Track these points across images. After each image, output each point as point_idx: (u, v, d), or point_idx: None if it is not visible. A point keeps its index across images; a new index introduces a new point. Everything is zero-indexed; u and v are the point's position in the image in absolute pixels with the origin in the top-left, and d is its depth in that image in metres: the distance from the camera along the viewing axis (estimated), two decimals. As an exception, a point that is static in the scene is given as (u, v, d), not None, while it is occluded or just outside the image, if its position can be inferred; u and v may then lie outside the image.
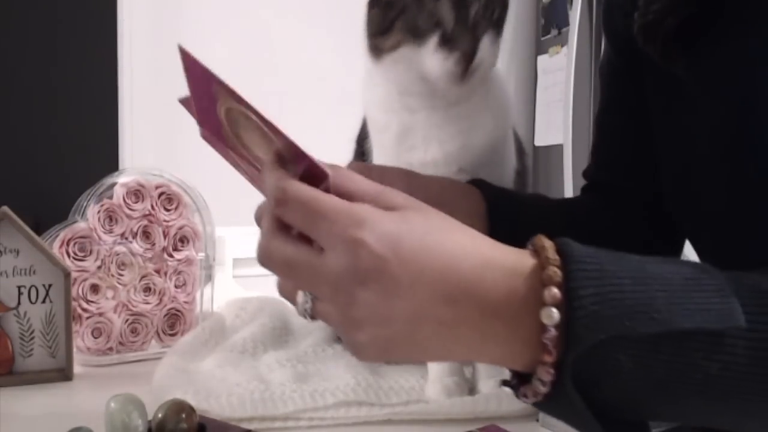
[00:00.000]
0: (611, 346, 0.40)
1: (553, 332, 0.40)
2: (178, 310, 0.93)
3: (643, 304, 0.40)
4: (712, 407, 0.43)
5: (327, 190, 0.43)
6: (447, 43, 0.68)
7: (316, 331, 0.94)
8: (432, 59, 0.69)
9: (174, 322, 0.93)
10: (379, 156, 0.79)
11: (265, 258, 0.44)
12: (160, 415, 0.53)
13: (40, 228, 0.83)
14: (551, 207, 0.78)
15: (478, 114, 0.76)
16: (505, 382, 0.46)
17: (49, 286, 0.80)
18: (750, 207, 0.56)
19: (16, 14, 2.11)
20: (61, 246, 0.85)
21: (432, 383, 0.72)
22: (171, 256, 0.92)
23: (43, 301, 0.80)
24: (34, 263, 0.79)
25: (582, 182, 0.84)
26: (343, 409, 0.67)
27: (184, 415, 0.53)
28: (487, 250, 0.42)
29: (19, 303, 0.79)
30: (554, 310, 0.40)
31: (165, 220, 0.91)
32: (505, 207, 0.70)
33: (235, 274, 1.98)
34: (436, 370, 0.73)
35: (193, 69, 0.47)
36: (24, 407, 0.71)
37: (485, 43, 0.70)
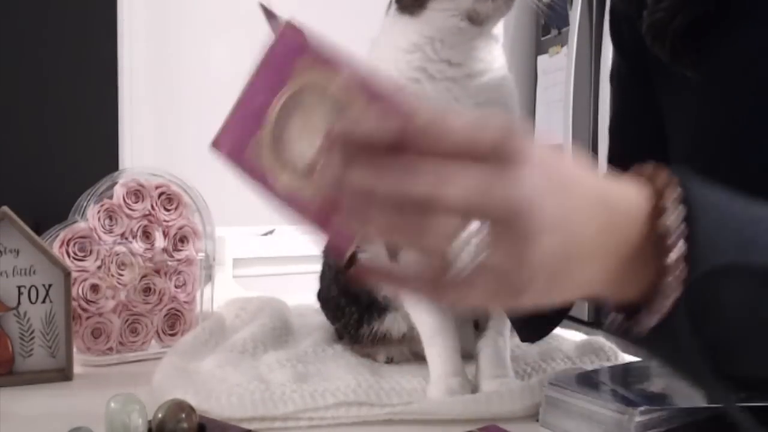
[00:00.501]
0: (724, 278, 0.40)
1: (678, 211, 0.39)
2: (178, 310, 0.93)
3: (761, 235, 0.40)
4: None
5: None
6: None
7: (316, 331, 0.94)
8: None
9: (174, 322, 0.93)
10: None
11: (392, 179, 0.36)
12: (160, 415, 0.53)
13: (40, 228, 0.83)
14: None
15: (494, 89, 0.76)
16: (609, 315, 0.44)
17: (49, 286, 0.80)
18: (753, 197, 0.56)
19: (15, 14, 2.11)
20: (61, 246, 0.85)
21: (434, 384, 0.72)
22: (171, 256, 0.92)
23: (43, 301, 0.80)
24: (34, 263, 0.79)
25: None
26: (343, 409, 0.67)
27: (184, 415, 0.53)
28: (605, 177, 0.41)
29: (19, 303, 0.79)
30: (679, 189, 0.40)
31: (165, 220, 0.91)
32: None
33: (235, 274, 1.98)
34: (438, 370, 0.73)
35: (285, 39, 0.41)
36: (24, 407, 0.71)
37: None
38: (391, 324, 0.82)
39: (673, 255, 0.39)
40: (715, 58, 0.59)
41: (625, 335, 0.43)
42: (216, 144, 0.43)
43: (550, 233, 0.36)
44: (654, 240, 0.40)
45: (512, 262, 0.36)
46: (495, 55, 0.76)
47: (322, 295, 0.93)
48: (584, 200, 0.39)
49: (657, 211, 0.40)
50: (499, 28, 0.77)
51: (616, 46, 0.77)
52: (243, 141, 0.42)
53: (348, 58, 0.40)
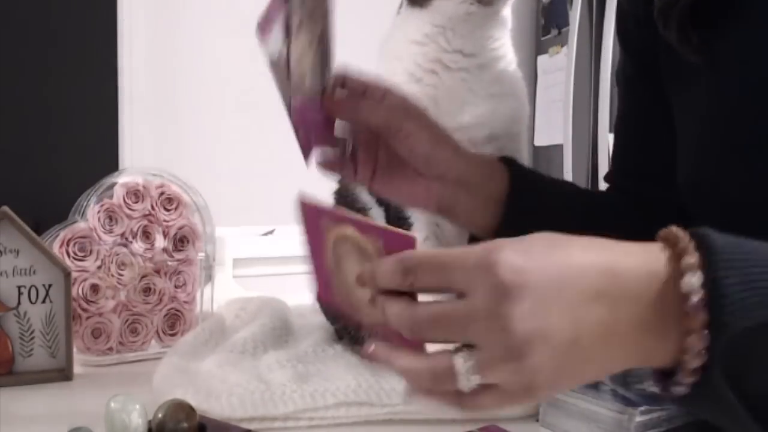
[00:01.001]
0: (758, 335, 0.39)
1: (697, 276, 0.39)
2: (178, 310, 0.93)
3: None
4: None
5: None
6: None
7: (316, 331, 0.94)
8: None
9: (174, 322, 0.93)
10: None
11: (415, 325, 0.42)
12: (160, 415, 0.53)
13: (40, 228, 0.83)
14: (576, 197, 0.76)
15: (506, 80, 0.76)
16: (655, 381, 0.44)
17: (49, 286, 0.80)
18: (764, 194, 0.56)
19: (15, 14, 2.11)
20: (61, 246, 0.85)
21: None
22: (171, 256, 0.92)
23: (43, 301, 0.80)
24: (34, 263, 0.79)
25: (582, 182, 0.84)
26: (343, 409, 0.67)
27: (184, 415, 0.53)
28: (614, 247, 0.41)
29: (19, 303, 0.79)
30: (697, 255, 0.39)
31: (165, 220, 0.91)
32: (527, 193, 0.69)
33: (235, 274, 1.98)
34: None
35: (306, 212, 0.50)
36: (24, 407, 0.71)
37: None
38: None
39: (694, 324, 0.39)
40: (719, 44, 0.59)
41: (669, 398, 0.42)
42: (319, 297, 0.55)
43: (546, 357, 0.39)
44: (675, 306, 0.39)
45: (512, 385, 0.40)
46: (506, 45, 0.77)
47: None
48: (581, 304, 0.39)
49: (676, 276, 0.40)
50: (507, 11, 0.77)
51: (622, 45, 0.76)
52: (328, 287, 0.51)
53: (345, 211, 0.50)
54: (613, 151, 0.80)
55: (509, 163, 0.70)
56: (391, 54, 0.77)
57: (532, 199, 0.69)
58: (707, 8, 0.59)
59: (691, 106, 0.65)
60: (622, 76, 0.78)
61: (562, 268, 0.40)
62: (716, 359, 0.39)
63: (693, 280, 0.39)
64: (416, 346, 0.44)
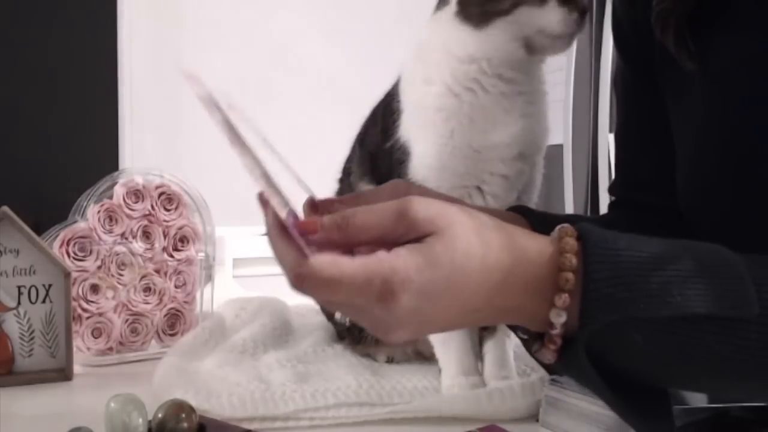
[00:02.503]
0: (625, 325, 0.43)
1: (563, 317, 0.43)
2: (178, 310, 0.93)
3: (657, 288, 0.42)
4: (723, 383, 0.45)
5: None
6: (567, 1, 0.70)
7: (316, 331, 0.94)
8: (554, 15, 0.70)
9: (174, 322, 0.93)
10: (428, 143, 0.75)
11: (300, 280, 0.44)
12: (160, 415, 0.53)
13: (40, 228, 0.83)
14: None
15: (538, 100, 0.77)
16: (522, 338, 0.49)
17: (49, 286, 0.80)
18: (757, 204, 0.56)
19: (15, 14, 2.11)
20: (61, 246, 0.85)
21: (448, 383, 0.72)
22: (171, 256, 0.92)
23: (43, 301, 0.80)
24: (34, 263, 0.79)
25: (582, 182, 0.84)
26: (343, 409, 0.67)
27: (184, 415, 0.53)
28: (508, 259, 0.44)
29: (19, 303, 0.79)
30: (565, 295, 0.43)
31: (165, 220, 0.91)
32: (546, 230, 0.68)
33: (235, 274, 1.98)
34: (452, 370, 0.73)
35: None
36: (24, 407, 0.71)
37: None
38: None
39: (556, 318, 0.44)
40: (714, 52, 0.59)
41: (540, 362, 0.47)
42: None
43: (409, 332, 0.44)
44: (551, 292, 0.44)
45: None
46: (542, 72, 0.78)
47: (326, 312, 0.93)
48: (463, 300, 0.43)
49: (556, 270, 0.44)
50: None
51: (620, 52, 0.76)
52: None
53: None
54: (616, 162, 0.80)
55: (522, 211, 0.69)
56: (429, 60, 0.76)
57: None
58: (704, 16, 0.59)
59: (687, 114, 0.65)
60: (620, 83, 0.78)
61: (453, 301, 0.43)
62: (578, 346, 0.43)
63: (568, 276, 0.43)
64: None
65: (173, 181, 0.93)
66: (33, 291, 0.79)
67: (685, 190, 0.66)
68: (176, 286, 0.93)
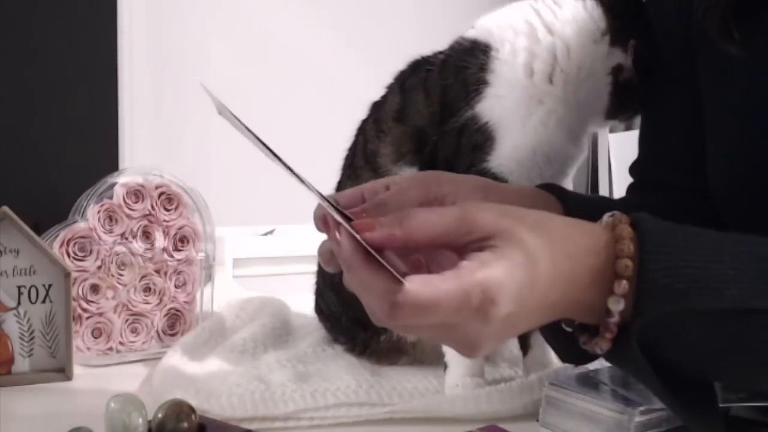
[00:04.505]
0: (679, 316, 0.42)
1: (621, 304, 0.43)
2: (178, 310, 0.93)
3: (713, 281, 0.42)
4: None
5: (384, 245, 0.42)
6: None
7: (316, 331, 0.94)
8: None
9: (174, 322, 0.93)
10: (523, 136, 0.71)
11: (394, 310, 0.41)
12: (160, 415, 0.53)
13: (40, 228, 0.83)
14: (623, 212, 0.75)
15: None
16: (572, 331, 0.48)
17: (49, 286, 0.80)
18: None
19: (15, 14, 2.11)
20: (61, 246, 0.85)
21: (452, 383, 0.72)
22: (171, 256, 0.92)
23: (43, 301, 0.80)
24: (34, 263, 0.79)
25: (583, 182, 0.83)
26: (343, 409, 0.67)
27: (184, 415, 0.53)
28: (572, 250, 0.43)
29: (19, 303, 0.79)
30: (624, 282, 0.43)
31: (165, 220, 0.91)
32: (581, 214, 0.67)
33: (235, 274, 1.98)
34: (458, 370, 0.73)
35: None
36: (24, 407, 0.71)
37: None
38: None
39: (614, 306, 0.43)
40: (759, 36, 0.59)
41: (590, 349, 0.47)
42: None
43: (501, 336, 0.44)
44: (609, 281, 0.43)
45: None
46: None
47: (327, 316, 0.91)
48: (545, 308, 0.44)
49: (613, 257, 0.44)
50: None
51: (658, 27, 0.73)
52: None
53: None
54: (640, 140, 0.77)
55: (551, 188, 0.67)
56: (549, 53, 0.72)
57: (587, 214, 0.67)
58: (750, 4, 0.59)
59: (727, 98, 0.64)
60: (653, 59, 0.74)
61: (530, 308, 0.43)
62: (631, 336, 0.43)
63: (627, 263, 0.43)
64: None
65: (173, 181, 0.93)
66: (33, 291, 0.79)
67: (722, 176, 0.65)
68: (176, 286, 0.93)
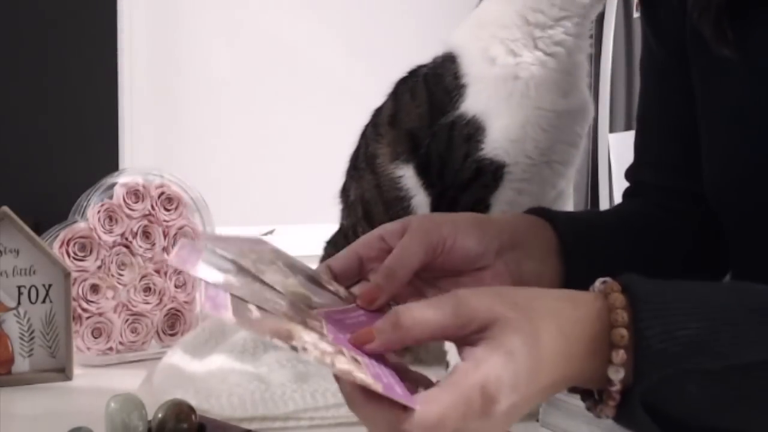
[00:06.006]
0: (679, 376, 0.43)
1: (621, 373, 0.43)
2: (178, 310, 0.93)
3: (708, 340, 0.42)
4: None
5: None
6: None
7: (316, 331, 0.94)
8: None
9: (174, 322, 0.93)
10: (510, 116, 0.75)
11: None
12: (160, 415, 0.53)
13: (40, 228, 0.83)
14: (615, 227, 0.74)
15: (586, 75, 0.80)
16: (580, 395, 0.48)
17: (49, 286, 0.80)
18: None
19: (15, 14, 2.11)
20: (61, 246, 0.85)
21: None
22: (171, 256, 0.92)
23: (43, 301, 0.80)
24: (34, 263, 0.79)
25: (583, 182, 0.84)
26: (343, 409, 0.67)
27: (184, 415, 0.53)
28: (567, 326, 0.44)
29: (19, 303, 0.79)
30: (621, 351, 0.43)
31: (165, 220, 0.91)
32: (575, 238, 0.66)
33: (235, 274, 1.97)
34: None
35: None
36: (24, 407, 0.71)
37: None
38: None
39: (614, 375, 0.43)
40: (753, 38, 0.59)
41: (598, 414, 0.47)
42: None
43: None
44: (607, 350, 0.44)
45: None
46: None
47: None
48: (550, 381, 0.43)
49: (608, 326, 0.44)
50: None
51: (650, 25, 0.74)
52: None
53: None
54: (636, 144, 0.78)
55: (543, 214, 0.66)
56: (501, 34, 0.77)
57: (581, 238, 0.66)
58: (744, 2, 0.59)
59: (720, 101, 0.64)
60: (647, 63, 0.76)
61: (530, 392, 0.42)
62: (634, 403, 0.43)
63: (622, 332, 0.43)
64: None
65: (173, 181, 0.93)
66: (33, 291, 0.79)
67: (716, 178, 0.65)
68: (176, 286, 0.92)
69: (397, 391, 0.40)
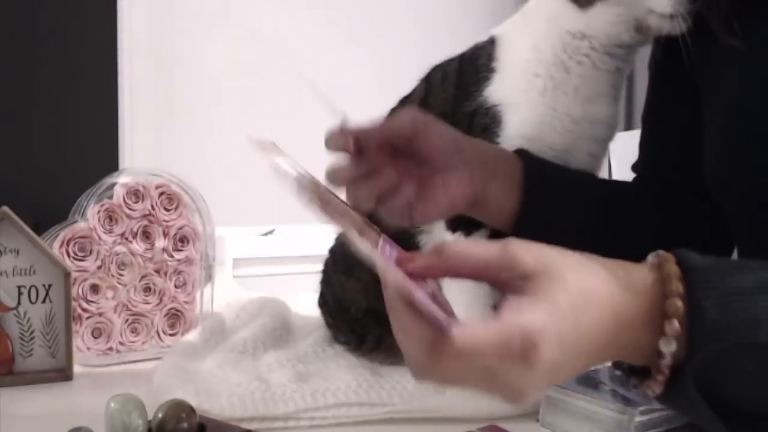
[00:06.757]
0: (734, 351, 0.42)
1: (673, 345, 0.42)
2: (178, 310, 0.93)
3: (763, 312, 0.41)
4: None
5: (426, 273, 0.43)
6: None
7: (316, 331, 0.94)
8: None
9: (174, 322, 0.93)
10: (529, 111, 0.76)
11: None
12: (160, 415, 0.53)
13: (40, 228, 0.83)
14: (595, 188, 0.77)
15: (620, 86, 0.78)
16: (623, 370, 0.47)
17: (49, 286, 0.80)
18: None
19: (15, 14, 2.11)
20: (61, 246, 0.85)
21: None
22: (171, 256, 0.92)
23: (43, 301, 0.80)
24: (34, 263, 0.79)
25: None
26: (343, 409, 0.67)
27: (184, 415, 0.53)
28: (617, 292, 0.42)
29: (19, 303, 0.79)
30: (675, 322, 0.42)
31: (165, 220, 0.91)
32: (541, 182, 0.69)
33: (235, 274, 1.98)
34: None
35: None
36: (24, 407, 0.71)
37: None
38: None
39: (666, 347, 0.42)
40: (761, 29, 0.59)
41: (646, 393, 0.45)
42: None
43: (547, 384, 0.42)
44: (659, 322, 0.42)
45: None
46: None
47: (331, 308, 0.91)
48: (593, 351, 0.42)
49: (662, 297, 0.43)
50: None
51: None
52: None
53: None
54: (641, 140, 0.80)
55: (521, 153, 0.70)
56: (537, 29, 0.76)
57: (547, 183, 0.69)
58: None
59: (721, 92, 0.64)
60: (653, 61, 0.77)
61: (577, 353, 0.42)
62: (687, 377, 0.42)
63: (677, 303, 0.42)
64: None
65: (173, 181, 0.93)
66: (33, 291, 0.79)
67: (714, 170, 0.65)
68: (176, 286, 0.92)
69: (436, 309, 0.39)
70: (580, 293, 0.41)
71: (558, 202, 0.69)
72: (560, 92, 0.74)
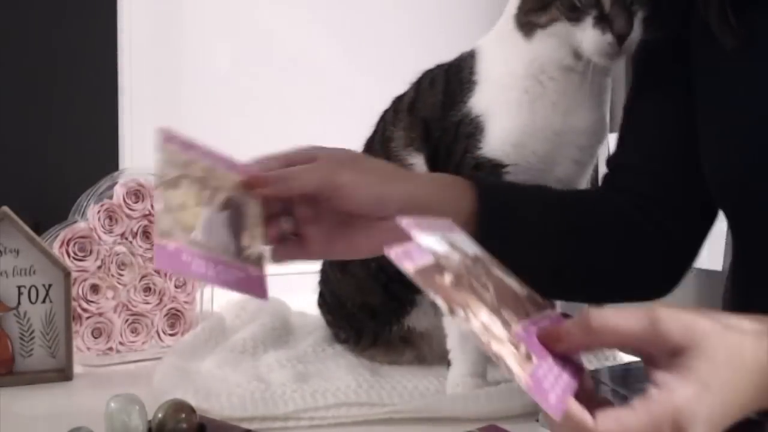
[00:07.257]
0: None
1: None
2: (178, 310, 0.93)
3: None
4: None
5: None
6: (603, 21, 0.69)
7: (316, 331, 0.94)
8: (588, 37, 0.70)
9: (174, 322, 0.93)
10: (509, 121, 0.76)
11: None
12: (160, 415, 0.53)
13: (40, 228, 0.83)
14: (552, 203, 0.73)
15: (607, 90, 0.79)
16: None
17: (49, 286, 0.80)
18: None
19: (15, 14, 2.11)
20: (61, 246, 0.85)
21: (454, 382, 0.72)
22: (171, 256, 0.92)
23: (43, 301, 0.80)
24: (34, 263, 0.79)
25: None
26: (343, 409, 0.67)
27: (184, 415, 0.53)
28: (763, 353, 0.43)
29: (19, 303, 0.79)
30: None
31: (165, 220, 0.91)
32: (497, 208, 0.66)
33: (235, 274, 1.97)
34: (461, 370, 0.73)
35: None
36: (24, 407, 0.71)
37: (637, 21, 0.70)
38: (416, 320, 0.82)
39: None
40: (758, 28, 0.59)
41: None
42: None
43: None
44: None
45: None
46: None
47: (330, 306, 0.92)
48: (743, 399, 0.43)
49: None
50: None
51: (654, 21, 0.73)
52: None
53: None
54: (621, 128, 0.78)
55: (474, 180, 0.67)
56: (508, 45, 0.77)
57: (503, 212, 0.66)
58: None
59: (722, 94, 0.64)
60: (642, 57, 0.75)
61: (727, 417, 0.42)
62: None
63: None
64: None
65: (173, 181, 0.93)
66: (33, 291, 0.79)
67: (717, 174, 0.65)
68: (176, 286, 0.92)
69: (551, 392, 0.39)
70: (727, 364, 0.41)
71: (513, 228, 0.66)
72: (538, 105, 0.75)
